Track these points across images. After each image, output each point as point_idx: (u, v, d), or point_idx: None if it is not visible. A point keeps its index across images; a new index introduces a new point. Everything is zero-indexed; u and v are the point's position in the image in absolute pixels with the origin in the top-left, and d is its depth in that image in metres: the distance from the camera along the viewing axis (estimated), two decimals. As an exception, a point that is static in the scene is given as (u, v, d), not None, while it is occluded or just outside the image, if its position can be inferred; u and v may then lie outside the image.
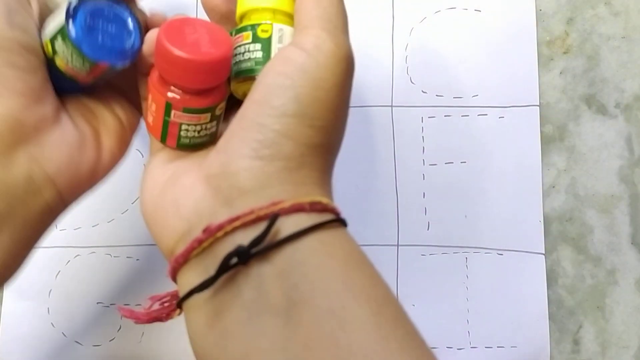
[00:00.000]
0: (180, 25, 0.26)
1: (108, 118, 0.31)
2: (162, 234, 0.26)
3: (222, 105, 0.28)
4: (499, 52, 0.44)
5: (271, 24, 0.28)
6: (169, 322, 0.43)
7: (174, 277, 0.26)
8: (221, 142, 0.26)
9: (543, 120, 0.44)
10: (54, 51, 0.27)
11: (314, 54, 0.25)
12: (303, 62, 0.25)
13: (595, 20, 0.45)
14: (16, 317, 0.42)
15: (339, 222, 0.25)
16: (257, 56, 0.27)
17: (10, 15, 0.26)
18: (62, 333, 0.42)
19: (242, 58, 0.28)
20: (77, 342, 0.42)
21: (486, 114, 0.44)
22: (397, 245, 0.43)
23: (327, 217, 0.24)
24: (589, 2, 0.45)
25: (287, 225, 0.23)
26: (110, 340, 0.42)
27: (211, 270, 0.23)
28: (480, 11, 0.45)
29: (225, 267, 0.23)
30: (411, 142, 0.44)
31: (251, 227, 0.23)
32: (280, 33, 0.28)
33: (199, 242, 0.23)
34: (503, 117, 0.44)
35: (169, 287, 0.43)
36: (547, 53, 0.45)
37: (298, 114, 0.25)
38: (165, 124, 0.28)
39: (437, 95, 0.44)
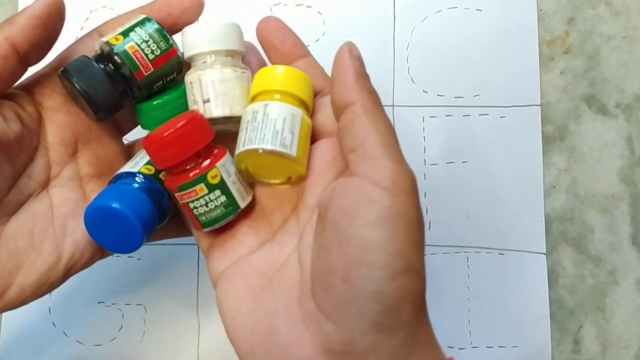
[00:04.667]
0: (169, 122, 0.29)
1: (44, 252, 0.29)
2: None
3: (215, 172, 0.28)
4: (500, 51, 0.44)
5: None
6: (169, 323, 0.43)
7: None
8: (332, 309, 0.25)
9: (543, 120, 0.44)
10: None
11: (396, 192, 0.24)
12: (390, 205, 0.24)
13: (595, 20, 0.45)
14: (17, 316, 0.42)
15: None
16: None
17: None
18: (64, 332, 0.42)
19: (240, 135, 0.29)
20: (78, 341, 0.42)
21: (487, 114, 0.44)
22: (398, 244, 0.43)
23: None
24: (589, 2, 0.45)
25: None
26: (111, 340, 0.42)
27: None
28: (481, 11, 0.45)
29: None
30: (412, 142, 0.44)
31: None
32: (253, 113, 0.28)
33: None
34: (504, 116, 0.44)
35: (170, 286, 0.43)
36: (547, 53, 0.45)
37: (406, 268, 0.24)
38: (184, 211, 0.29)
39: (438, 95, 0.44)
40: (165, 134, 0.27)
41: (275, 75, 0.29)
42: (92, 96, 0.28)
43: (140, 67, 0.29)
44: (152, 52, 0.29)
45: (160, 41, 0.29)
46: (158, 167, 0.29)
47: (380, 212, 0.24)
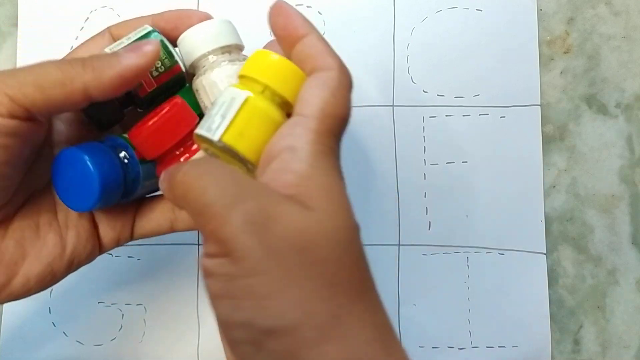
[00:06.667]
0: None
1: (49, 243, 0.29)
2: None
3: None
4: (501, 51, 0.44)
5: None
6: (169, 323, 0.43)
7: None
8: None
9: (543, 120, 0.44)
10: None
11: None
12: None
13: (595, 20, 0.45)
14: (17, 316, 0.42)
15: None
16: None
17: None
18: (64, 332, 0.42)
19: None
20: (78, 341, 0.42)
21: (487, 114, 0.44)
22: (398, 245, 0.43)
23: None
24: (589, 2, 0.45)
25: None
26: (111, 340, 0.42)
27: None
28: (481, 10, 0.45)
29: None
30: (412, 142, 0.44)
31: None
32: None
33: None
34: (504, 116, 0.44)
35: (170, 286, 0.43)
36: (547, 53, 0.45)
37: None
38: None
39: (438, 95, 0.44)
40: (148, 124, 0.27)
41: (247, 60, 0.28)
42: (93, 111, 0.29)
43: (144, 84, 0.29)
44: (157, 69, 0.29)
45: (165, 58, 0.29)
46: (148, 158, 0.30)
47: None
